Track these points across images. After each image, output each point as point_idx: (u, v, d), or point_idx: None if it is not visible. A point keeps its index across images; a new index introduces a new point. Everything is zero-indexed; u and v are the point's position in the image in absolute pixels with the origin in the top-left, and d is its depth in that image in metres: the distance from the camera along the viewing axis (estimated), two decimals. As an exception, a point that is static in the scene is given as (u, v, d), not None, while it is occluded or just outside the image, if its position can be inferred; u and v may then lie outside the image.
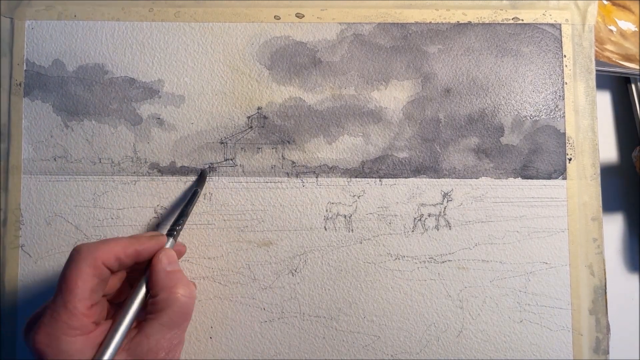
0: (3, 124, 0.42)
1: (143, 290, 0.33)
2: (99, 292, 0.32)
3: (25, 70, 0.42)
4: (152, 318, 0.32)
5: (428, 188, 0.42)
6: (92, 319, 0.31)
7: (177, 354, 0.33)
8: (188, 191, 0.42)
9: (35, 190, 0.42)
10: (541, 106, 0.43)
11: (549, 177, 0.42)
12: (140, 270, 0.35)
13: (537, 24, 0.43)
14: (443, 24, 0.43)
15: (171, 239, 0.36)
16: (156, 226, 0.42)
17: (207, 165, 0.42)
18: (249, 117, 0.42)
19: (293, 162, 0.42)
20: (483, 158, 0.42)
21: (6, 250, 0.41)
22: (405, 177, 0.42)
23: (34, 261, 0.41)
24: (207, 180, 0.42)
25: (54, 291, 0.31)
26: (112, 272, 0.33)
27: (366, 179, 0.42)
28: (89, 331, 0.30)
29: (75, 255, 0.31)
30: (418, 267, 0.41)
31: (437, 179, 0.42)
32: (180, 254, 0.39)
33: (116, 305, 0.35)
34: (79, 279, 0.30)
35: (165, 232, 0.37)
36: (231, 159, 0.42)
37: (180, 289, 0.33)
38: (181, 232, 0.41)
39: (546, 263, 0.41)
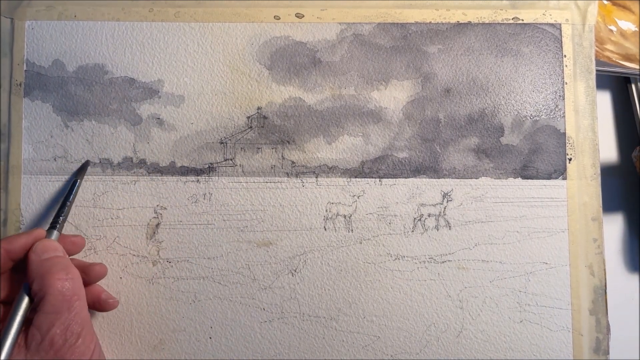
0: (3, 124, 0.42)
1: (24, 287, 0.34)
2: None
3: (26, 70, 0.42)
4: (37, 308, 0.32)
5: (428, 188, 0.42)
6: None
7: (81, 340, 0.33)
8: (68, 182, 0.41)
9: (35, 191, 0.42)
10: (541, 106, 0.43)
11: (549, 177, 0.42)
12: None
13: (537, 23, 0.43)
14: (443, 24, 0.43)
15: (54, 232, 0.36)
16: (156, 226, 0.42)
17: (89, 160, 0.42)
18: (248, 117, 0.43)
19: (293, 162, 0.42)
20: (483, 158, 0.42)
21: (6, 250, 0.41)
22: (405, 177, 0.42)
23: (34, 261, 0.41)
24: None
25: None
26: None
27: (366, 179, 0.42)
28: None
29: None
30: (418, 267, 0.41)
31: (437, 179, 0.42)
32: (77, 245, 0.39)
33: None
34: None
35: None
36: (231, 159, 0.42)
37: (56, 273, 0.33)
38: (180, 232, 0.41)
39: (546, 263, 0.41)
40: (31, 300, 0.33)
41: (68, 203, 0.39)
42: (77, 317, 0.33)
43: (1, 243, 0.34)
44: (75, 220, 0.41)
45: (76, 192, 0.40)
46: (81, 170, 0.41)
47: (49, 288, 0.32)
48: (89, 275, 0.37)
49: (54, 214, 0.38)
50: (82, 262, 0.39)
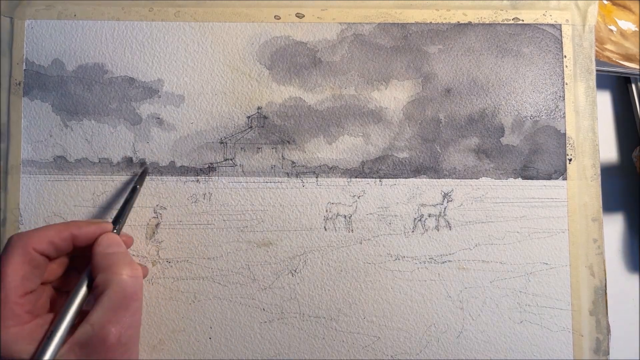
0: (2, 123, 0.42)
1: (85, 278, 0.33)
2: (33, 280, 0.31)
3: (25, 69, 0.42)
4: (95, 304, 0.31)
5: (428, 188, 0.42)
6: (26, 309, 0.30)
7: (131, 341, 0.32)
8: (127, 186, 0.42)
9: (34, 190, 0.42)
10: (541, 106, 0.43)
11: (549, 178, 0.42)
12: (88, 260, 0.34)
13: (537, 24, 0.43)
14: (443, 24, 0.43)
15: (117, 226, 0.36)
16: (156, 226, 0.42)
17: (147, 166, 0.42)
18: (248, 117, 0.42)
19: (293, 162, 0.42)
20: (483, 158, 0.42)
21: (5, 250, 0.41)
22: (406, 178, 0.42)
23: (33, 261, 0.41)
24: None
25: None
26: (50, 258, 0.32)
27: (366, 179, 0.42)
28: (24, 322, 0.30)
29: (6, 245, 0.31)
30: (418, 268, 0.41)
31: (437, 179, 0.42)
32: (127, 245, 0.38)
33: (65, 293, 0.35)
34: (8, 267, 0.30)
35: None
36: (231, 159, 0.42)
37: (122, 268, 0.32)
38: (180, 232, 0.41)
39: (546, 264, 0.41)
40: (88, 293, 0.33)
41: (129, 207, 0.38)
42: (133, 317, 0.32)
43: (68, 226, 0.33)
44: (75, 220, 0.41)
45: (136, 197, 0.40)
46: (141, 176, 0.41)
47: (113, 282, 0.31)
48: None
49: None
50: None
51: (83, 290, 0.32)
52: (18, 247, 0.31)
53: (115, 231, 0.36)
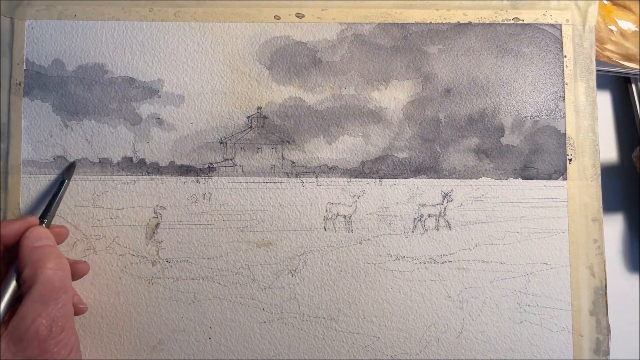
0: (2, 123, 0.42)
1: (14, 273, 0.33)
2: None
3: (25, 69, 0.42)
4: (24, 297, 0.32)
5: (428, 188, 0.42)
6: None
7: (65, 332, 0.32)
8: (55, 182, 0.42)
9: (34, 190, 0.42)
10: (541, 106, 0.43)
11: (549, 178, 0.42)
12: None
13: (537, 24, 0.43)
14: (443, 24, 0.43)
15: (46, 220, 0.37)
16: (155, 226, 0.42)
17: (76, 161, 0.42)
18: (248, 117, 0.42)
19: (293, 162, 0.42)
20: (483, 158, 0.42)
21: (5, 250, 0.41)
22: (405, 178, 0.42)
23: (33, 261, 0.41)
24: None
25: None
26: None
27: (366, 179, 0.42)
28: None
29: None
30: (418, 268, 0.41)
31: (437, 180, 0.42)
32: (61, 236, 0.39)
33: None
34: None
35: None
36: (231, 159, 0.42)
37: (48, 262, 0.33)
38: (180, 232, 0.41)
39: (546, 264, 0.41)
40: (18, 288, 0.33)
41: (55, 200, 0.39)
42: (63, 309, 0.32)
43: None
44: (75, 219, 0.41)
45: (64, 191, 0.40)
46: (68, 170, 0.41)
47: (40, 276, 0.32)
48: (72, 272, 0.37)
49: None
50: (68, 258, 0.38)
51: (12, 285, 0.33)
52: None
53: (44, 225, 0.37)
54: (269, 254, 0.41)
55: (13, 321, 0.31)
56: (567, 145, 0.42)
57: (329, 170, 0.42)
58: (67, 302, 0.33)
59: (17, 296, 0.33)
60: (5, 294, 0.33)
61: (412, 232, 0.42)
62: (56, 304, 0.32)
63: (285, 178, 0.42)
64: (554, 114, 0.43)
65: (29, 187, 0.42)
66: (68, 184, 0.40)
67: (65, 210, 0.41)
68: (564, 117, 0.43)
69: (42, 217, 0.37)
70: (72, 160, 0.42)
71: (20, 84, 0.42)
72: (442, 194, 0.42)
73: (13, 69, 0.42)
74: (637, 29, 0.51)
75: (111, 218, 0.42)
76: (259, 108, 0.43)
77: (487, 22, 0.43)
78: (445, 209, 0.42)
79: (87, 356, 0.40)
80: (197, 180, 0.42)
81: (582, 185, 0.42)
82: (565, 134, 0.42)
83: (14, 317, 0.31)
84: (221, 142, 0.42)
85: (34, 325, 0.31)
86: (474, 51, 0.43)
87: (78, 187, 0.42)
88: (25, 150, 0.42)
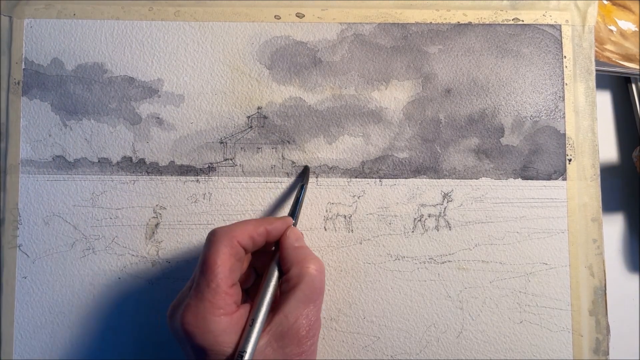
0: (1, 123, 0.42)
1: (276, 270, 0.34)
2: (236, 272, 0.32)
3: (24, 69, 0.42)
4: (287, 296, 0.32)
5: (428, 188, 0.42)
6: (233, 299, 0.31)
7: (316, 335, 0.33)
8: (292, 187, 0.42)
9: (33, 190, 0.41)
10: (541, 107, 0.43)
11: (549, 178, 0.42)
12: (264, 255, 0.35)
13: (537, 24, 0.43)
14: (443, 24, 0.43)
15: (294, 222, 0.37)
16: (155, 226, 0.41)
17: (307, 165, 0.42)
18: (248, 117, 0.42)
19: (293, 162, 0.42)
20: (483, 159, 0.42)
21: (4, 250, 0.41)
22: (406, 178, 0.42)
23: (32, 261, 0.41)
24: (207, 180, 0.42)
25: (196, 274, 0.32)
26: (246, 252, 0.33)
27: (366, 179, 0.42)
28: (232, 311, 0.31)
29: (212, 237, 0.32)
30: (418, 268, 0.41)
31: (437, 180, 0.42)
32: None
33: (245, 291, 0.35)
34: (218, 258, 0.31)
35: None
36: (231, 159, 0.42)
37: (310, 263, 0.33)
38: (180, 232, 0.41)
39: (546, 264, 0.41)
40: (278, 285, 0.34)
41: (299, 204, 0.39)
42: (318, 312, 0.33)
43: (262, 222, 0.34)
44: (74, 219, 0.41)
45: (304, 195, 0.40)
46: (304, 174, 0.41)
47: (306, 276, 0.32)
48: None
49: None
50: None
51: (274, 282, 0.33)
52: (225, 239, 0.32)
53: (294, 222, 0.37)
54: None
55: (277, 318, 0.31)
56: (567, 145, 0.42)
57: (329, 170, 0.42)
58: (320, 306, 0.33)
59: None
60: (269, 289, 0.33)
61: (412, 232, 0.42)
62: (315, 306, 0.32)
63: (286, 178, 0.42)
64: (554, 114, 0.43)
65: (28, 187, 0.41)
66: (306, 187, 0.40)
67: (64, 210, 0.41)
68: (564, 117, 0.43)
69: (291, 214, 0.38)
70: (71, 160, 0.42)
71: (19, 83, 0.42)
72: (442, 194, 0.42)
73: (12, 68, 0.42)
74: (637, 29, 0.51)
75: (110, 218, 0.41)
76: (259, 108, 0.42)
77: (487, 22, 0.43)
78: (445, 209, 0.42)
79: (87, 357, 0.40)
80: (197, 180, 0.42)
81: (582, 185, 0.42)
82: (564, 134, 0.42)
83: (277, 314, 0.32)
84: (221, 142, 0.42)
85: (296, 324, 0.31)
86: (474, 51, 0.43)
87: (77, 187, 0.42)
88: (23, 149, 0.42)
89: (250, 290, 0.36)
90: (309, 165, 0.42)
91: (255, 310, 0.31)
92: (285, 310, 0.32)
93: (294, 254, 0.34)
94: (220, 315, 0.30)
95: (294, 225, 0.37)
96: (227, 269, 0.31)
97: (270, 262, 0.35)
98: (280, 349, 0.31)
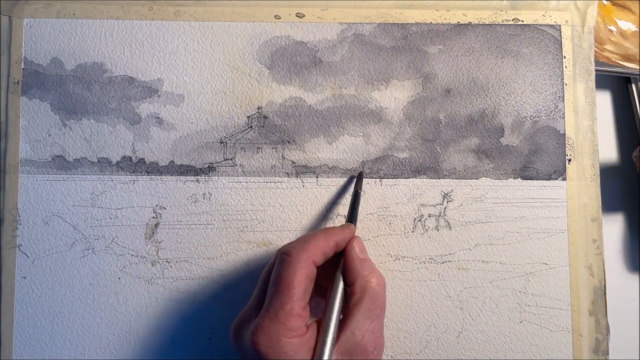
0: (1, 122, 0.42)
1: (341, 282, 0.33)
2: (309, 292, 0.32)
3: (23, 68, 0.42)
4: (352, 311, 0.31)
5: (428, 188, 0.42)
6: (305, 320, 0.31)
7: (382, 351, 0.32)
8: (346, 191, 0.42)
9: (32, 190, 0.41)
10: (541, 107, 0.43)
11: (549, 178, 0.42)
12: (325, 266, 0.34)
13: (537, 25, 0.43)
14: (443, 24, 0.43)
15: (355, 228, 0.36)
16: (155, 226, 0.41)
17: (362, 171, 0.42)
18: (249, 117, 0.42)
19: (293, 162, 0.42)
20: (483, 159, 0.42)
21: (3, 250, 0.41)
22: (406, 178, 0.42)
23: (32, 261, 0.41)
24: (209, 180, 0.42)
25: (267, 293, 0.31)
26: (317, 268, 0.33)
27: (366, 179, 0.42)
28: (303, 333, 0.30)
29: (287, 258, 0.31)
30: (418, 268, 0.41)
31: (437, 180, 0.42)
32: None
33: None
34: (295, 279, 0.30)
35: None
36: (231, 159, 0.42)
37: (373, 277, 0.33)
38: (179, 232, 0.41)
39: (546, 264, 0.41)
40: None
41: (356, 212, 0.38)
42: (381, 326, 0.32)
43: (330, 234, 0.33)
44: (73, 219, 0.41)
45: (359, 202, 0.39)
46: (359, 180, 0.41)
47: (369, 291, 0.32)
48: None
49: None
50: None
51: (341, 296, 0.32)
52: (301, 260, 0.31)
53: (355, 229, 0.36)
54: (269, 254, 0.41)
55: (344, 335, 0.31)
56: (567, 145, 0.42)
57: (330, 170, 0.42)
58: (383, 319, 0.33)
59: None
60: (336, 304, 0.32)
61: (412, 232, 0.42)
62: (380, 319, 0.32)
63: (286, 178, 0.42)
64: (554, 114, 0.43)
65: (27, 187, 0.41)
66: (361, 193, 0.40)
67: (64, 210, 0.41)
68: (563, 117, 0.43)
69: (350, 220, 0.37)
70: (71, 159, 0.42)
71: (18, 82, 0.42)
72: (442, 194, 0.42)
73: (11, 68, 0.42)
74: (637, 29, 0.51)
75: (110, 218, 0.41)
76: (259, 108, 0.42)
77: (487, 22, 0.43)
78: (445, 209, 0.42)
79: (87, 356, 0.40)
80: (197, 180, 0.42)
81: (582, 185, 0.42)
82: (564, 135, 0.42)
83: (344, 330, 0.31)
84: (221, 142, 0.42)
85: (362, 340, 0.31)
86: (473, 51, 0.43)
87: (77, 187, 0.41)
88: (23, 149, 0.42)
89: (311, 301, 0.35)
90: (363, 171, 0.42)
91: (325, 329, 0.31)
92: (351, 326, 0.31)
93: (359, 266, 0.33)
94: (293, 337, 0.29)
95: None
96: (302, 290, 0.30)
97: (334, 274, 0.33)
98: None
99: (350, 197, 0.40)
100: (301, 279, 0.31)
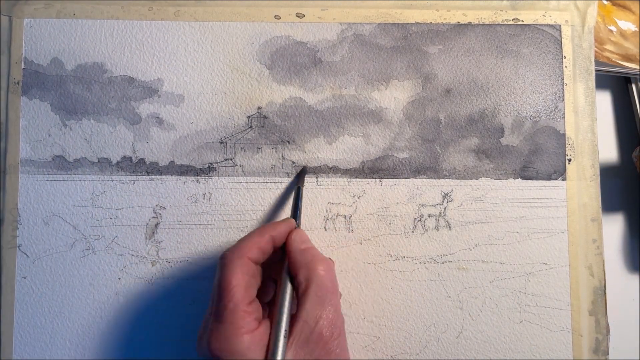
0: (1, 122, 0.42)
1: (287, 277, 0.33)
2: (252, 288, 0.32)
3: (24, 68, 0.42)
4: (301, 301, 0.32)
5: (428, 188, 0.42)
6: (253, 316, 0.31)
7: (342, 332, 0.32)
8: (290, 188, 0.42)
9: (32, 190, 0.41)
10: (541, 107, 0.43)
11: (549, 178, 0.42)
12: (279, 265, 0.35)
13: (537, 25, 0.43)
14: (443, 24, 0.43)
15: (297, 222, 0.37)
16: (155, 226, 0.41)
17: (305, 166, 0.42)
18: (249, 117, 0.42)
19: (293, 162, 0.42)
20: (483, 159, 0.42)
21: (3, 250, 0.41)
22: (406, 178, 0.42)
23: (32, 261, 0.41)
24: (208, 179, 0.42)
25: (213, 299, 0.32)
26: (257, 264, 0.33)
27: (366, 179, 0.42)
28: (253, 328, 0.30)
29: (222, 261, 0.32)
30: (418, 268, 0.41)
31: (437, 180, 0.42)
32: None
33: (267, 305, 0.36)
34: (232, 278, 0.31)
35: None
36: (231, 159, 0.42)
37: (318, 264, 0.33)
38: (180, 232, 0.41)
39: (546, 264, 0.41)
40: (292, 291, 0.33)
41: (299, 205, 0.39)
42: (337, 309, 0.33)
43: (265, 229, 0.34)
44: (74, 219, 0.41)
45: (302, 196, 0.40)
46: (300, 176, 0.41)
47: (314, 278, 0.32)
48: None
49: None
50: None
51: (289, 290, 0.33)
52: (235, 259, 0.32)
53: (299, 223, 0.37)
54: (269, 254, 0.41)
55: (297, 327, 0.31)
56: (567, 145, 0.42)
57: (330, 170, 0.42)
58: (338, 303, 0.33)
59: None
60: (286, 297, 0.32)
61: (412, 232, 0.42)
62: (331, 306, 0.32)
63: (286, 178, 0.42)
64: (554, 114, 0.43)
65: (27, 187, 0.41)
66: (302, 188, 0.40)
67: (64, 210, 0.41)
68: (563, 117, 0.43)
69: (293, 215, 0.38)
70: (71, 160, 0.42)
71: (18, 82, 0.42)
72: (442, 194, 0.42)
73: (11, 68, 0.42)
74: (637, 29, 0.51)
75: (110, 218, 0.41)
76: (259, 108, 0.42)
77: (487, 22, 0.43)
78: (445, 209, 0.42)
79: (87, 357, 0.40)
80: (197, 180, 0.42)
81: (582, 185, 0.42)
82: (564, 135, 0.42)
83: (297, 322, 0.31)
84: (221, 142, 0.42)
85: (317, 327, 0.31)
86: (473, 51, 0.43)
87: (77, 187, 0.41)
88: (23, 149, 0.42)
89: (271, 303, 0.36)
90: (307, 165, 0.42)
91: (276, 323, 0.31)
92: (303, 316, 0.31)
93: (300, 257, 0.33)
94: (243, 335, 0.30)
95: (297, 226, 0.37)
96: (242, 288, 0.31)
97: (281, 270, 0.34)
98: (308, 356, 0.31)
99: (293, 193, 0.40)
100: (239, 276, 0.31)
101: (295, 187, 0.40)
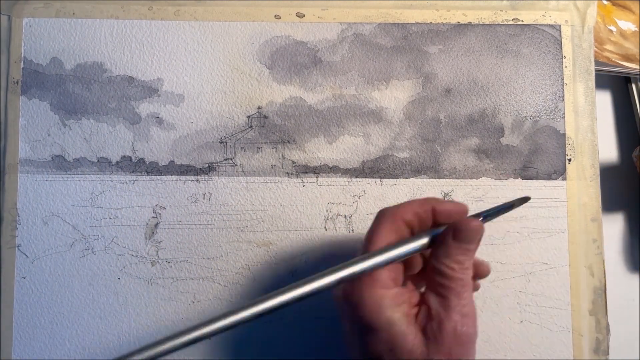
0: (0, 122, 0.41)
1: (426, 240, 0.31)
2: None
3: (23, 68, 0.42)
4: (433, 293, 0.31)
5: (428, 188, 0.42)
6: (390, 276, 0.30)
7: (474, 331, 0.30)
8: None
9: (32, 190, 0.41)
10: (541, 107, 0.43)
11: (549, 178, 0.42)
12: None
13: (537, 25, 0.43)
14: (443, 24, 0.43)
15: (481, 218, 0.32)
16: (155, 226, 0.41)
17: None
18: (249, 117, 0.42)
19: (293, 162, 0.42)
20: (483, 158, 0.42)
21: (2, 250, 0.41)
22: (406, 178, 0.42)
23: (31, 261, 0.41)
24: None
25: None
26: (412, 231, 0.32)
27: (367, 179, 0.42)
28: (388, 287, 0.30)
29: (377, 215, 0.32)
30: (418, 268, 0.41)
31: (438, 180, 0.42)
32: (482, 273, 0.35)
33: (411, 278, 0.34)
34: (379, 233, 0.31)
35: None
36: (231, 159, 0.42)
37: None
38: (179, 232, 0.41)
39: (546, 264, 0.41)
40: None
41: (500, 212, 0.34)
42: (469, 306, 0.30)
43: (430, 200, 0.32)
44: (73, 219, 0.41)
45: (505, 211, 0.35)
46: (522, 201, 0.35)
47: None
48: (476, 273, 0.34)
49: None
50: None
51: (423, 243, 0.31)
52: (387, 217, 0.31)
53: (480, 220, 0.32)
54: (269, 254, 0.41)
55: (428, 317, 0.30)
56: (567, 145, 0.42)
57: (330, 170, 0.42)
58: (471, 299, 0.31)
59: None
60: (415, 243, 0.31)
61: (413, 232, 0.42)
62: (462, 300, 0.30)
63: (286, 178, 0.42)
64: (554, 114, 0.43)
65: (26, 186, 0.41)
66: (515, 208, 0.35)
67: (64, 210, 0.41)
68: (563, 117, 0.43)
69: (479, 215, 0.34)
70: (70, 159, 0.42)
71: (17, 82, 0.42)
72: (443, 193, 0.42)
73: (10, 67, 0.42)
74: (637, 29, 0.51)
75: (110, 218, 0.41)
76: (259, 107, 0.42)
77: (487, 22, 0.43)
78: (445, 209, 0.42)
79: (87, 356, 0.40)
80: (197, 180, 0.42)
81: (582, 185, 0.42)
82: (564, 135, 0.43)
83: (428, 314, 0.30)
84: (221, 142, 0.42)
85: (451, 323, 0.30)
86: (474, 51, 0.43)
87: (76, 187, 0.41)
88: (22, 149, 0.42)
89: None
90: (528, 197, 0.36)
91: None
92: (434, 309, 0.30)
93: (454, 252, 0.30)
94: (377, 287, 0.29)
95: (484, 219, 0.33)
96: (384, 243, 0.31)
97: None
98: (439, 346, 0.29)
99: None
100: (385, 232, 0.31)
101: (510, 203, 0.35)
